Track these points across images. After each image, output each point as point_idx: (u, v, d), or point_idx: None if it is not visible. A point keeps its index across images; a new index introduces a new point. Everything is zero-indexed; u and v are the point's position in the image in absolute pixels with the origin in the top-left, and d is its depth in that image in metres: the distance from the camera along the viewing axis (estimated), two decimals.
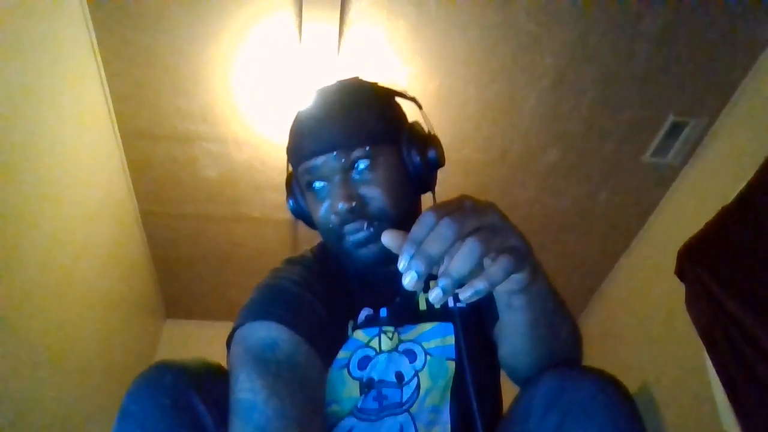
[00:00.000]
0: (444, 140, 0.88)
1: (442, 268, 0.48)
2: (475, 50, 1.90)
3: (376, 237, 0.77)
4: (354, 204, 0.76)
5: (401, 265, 0.47)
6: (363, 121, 0.79)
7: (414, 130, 0.83)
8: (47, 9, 1.60)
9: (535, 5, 1.77)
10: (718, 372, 1.75)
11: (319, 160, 0.78)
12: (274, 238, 2.67)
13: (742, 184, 1.75)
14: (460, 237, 0.47)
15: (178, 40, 1.87)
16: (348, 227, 0.78)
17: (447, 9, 1.79)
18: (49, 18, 1.62)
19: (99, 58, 1.91)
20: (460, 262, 0.47)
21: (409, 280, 0.46)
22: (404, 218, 0.78)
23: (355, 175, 0.78)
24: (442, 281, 0.47)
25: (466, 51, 1.90)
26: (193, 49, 1.90)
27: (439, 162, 0.83)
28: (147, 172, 2.34)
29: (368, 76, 0.87)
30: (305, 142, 0.80)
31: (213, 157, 2.28)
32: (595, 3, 1.75)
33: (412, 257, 0.47)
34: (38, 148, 1.63)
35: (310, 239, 0.87)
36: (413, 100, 0.89)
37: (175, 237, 2.68)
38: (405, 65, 1.94)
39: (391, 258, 0.52)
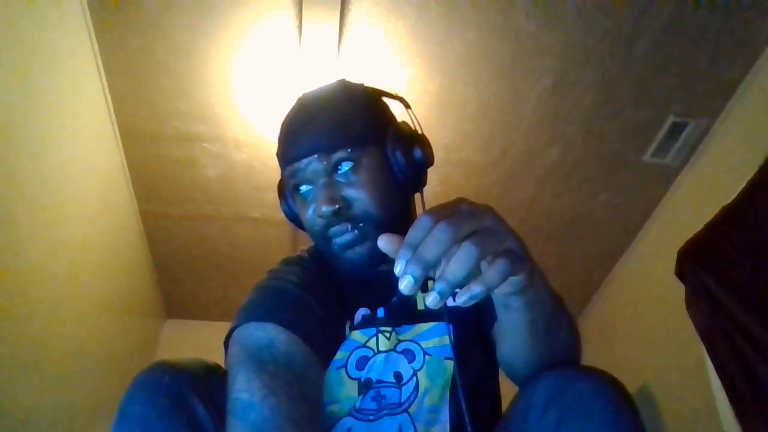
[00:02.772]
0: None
1: (438, 272, 0.48)
2: (475, 51, 1.90)
3: (361, 239, 0.77)
4: (337, 206, 0.76)
5: (398, 269, 0.47)
6: (345, 123, 0.78)
7: (400, 130, 0.82)
8: (47, 9, 1.60)
9: (535, 6, 1.77)
10: (718, 372, 1.75)
11: (302, 163, 0.78)
12: (274, 238, 2.67)
13: (742, 184, 1.75)
14: (457, 241, 0.47)
15: (178, 40, 1.87)
16: (333, 230, 0.78)
17: (447, 10, 1.79)
18: (49, 18, 1.62)
19: (99, 58, 1.91)
20: (456, 266, 0.47)
21: (405, 285, 0.46)
22: (392, 219, 0.78)
23: (339, 178, 0.78)
24: (439, 285, 0.46)
25: (465, 52, 1.90)
26: (193, 50, 1.90)
27: (426, 162, 0.82)
28: (147, 172, 2.34)
29: (368, 77, 0.86)
30: (288, 146, 0.80)
31: (213, 157, 2.28)
32: (594, 3, 1.75)
33: (408, 261, 0.47)
34: (37, 148, 1.63)
35: (309, 239, 0.88)
36: (400, 99, 0.88)
37: (175, 237, 2.68)
38: (405, 66, 1.94)
39: (383, 258, 0.52)
